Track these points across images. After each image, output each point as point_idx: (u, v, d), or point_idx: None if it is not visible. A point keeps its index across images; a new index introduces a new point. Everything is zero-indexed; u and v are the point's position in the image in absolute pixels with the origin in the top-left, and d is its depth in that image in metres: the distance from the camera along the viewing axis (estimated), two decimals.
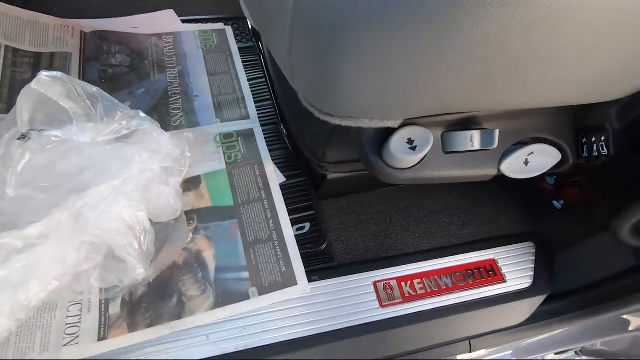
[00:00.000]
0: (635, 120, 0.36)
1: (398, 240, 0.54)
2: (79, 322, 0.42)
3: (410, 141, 0.34)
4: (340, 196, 0.57)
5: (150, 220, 0.46)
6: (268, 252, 0.49)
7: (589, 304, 0.47)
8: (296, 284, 0.47)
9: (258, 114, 0.64)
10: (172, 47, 0.72)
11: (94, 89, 0.43)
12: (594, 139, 0.38)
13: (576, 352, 0.64)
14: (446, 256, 0.52)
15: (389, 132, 0.34)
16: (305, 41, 0.27)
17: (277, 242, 0.50)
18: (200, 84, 0.68)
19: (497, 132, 0.35)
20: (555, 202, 0.59)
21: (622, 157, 0.37)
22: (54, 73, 0.41)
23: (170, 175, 0.47)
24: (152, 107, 0.63)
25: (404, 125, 0.34)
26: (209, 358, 0.41)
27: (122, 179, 0.40)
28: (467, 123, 0.36)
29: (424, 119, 0.34)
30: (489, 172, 0.38)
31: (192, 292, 0.45)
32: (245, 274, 0.47)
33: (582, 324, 0.48)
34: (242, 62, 0.72)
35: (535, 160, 0.38)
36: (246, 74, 0.70)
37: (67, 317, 0.42)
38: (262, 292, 0.46)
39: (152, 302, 0.44)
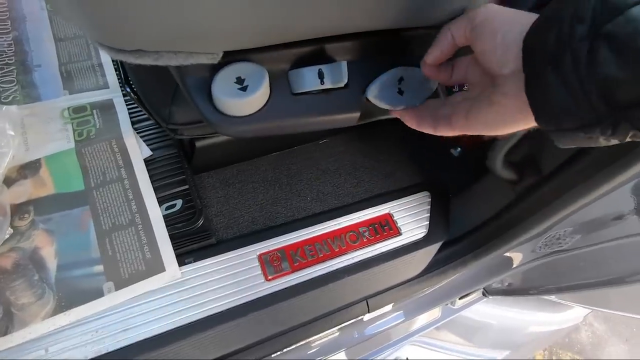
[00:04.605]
0: None
1: (287, 207, 0.49)
2: None
3: (240, 80, 0.28)
4: (219, 167, 0.50)
5: None
6: (129, 238, 0.42)
7: (477, 245, 0.47)
8: (164, 270, 0.41)
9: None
10: (5, 8, 0.59)
11: None
12: None
13: (483, 294, 0.66)
14: (339, 217, 0.49)
15: (217, 70, 0.28)
16: None
17: (140, 226, 0.43)
18: (43, 52, 0.56)
19: (344, 64, 0.30)
20: (452, 150, 0.58)
21: None
22: None
23: None
24: None
25: (231, 62, 0.28)
26: None
27: None
28: (316, 58, 0.31)
29: (258, 54, 0.28)
30: (351, 114, 0.33)
31: (24, 300, 0.36)
32: (99, 268, 0.39)
33: (474, 265, 0.48)
34: None
35: (410, 90, 0.34)
36: None
37: None
38: (120, 286, 0.39)
39: None
